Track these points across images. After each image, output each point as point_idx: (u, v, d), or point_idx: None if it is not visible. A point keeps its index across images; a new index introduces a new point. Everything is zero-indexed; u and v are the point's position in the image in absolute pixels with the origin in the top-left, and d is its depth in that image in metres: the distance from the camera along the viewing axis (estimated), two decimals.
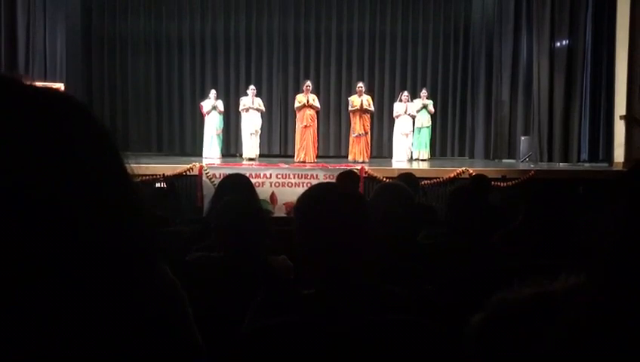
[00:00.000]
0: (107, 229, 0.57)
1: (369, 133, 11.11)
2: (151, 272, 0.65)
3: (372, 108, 11.05)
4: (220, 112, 11.31)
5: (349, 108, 11.05)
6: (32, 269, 0.53)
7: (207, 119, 11.32)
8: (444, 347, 1.25)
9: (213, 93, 11.40)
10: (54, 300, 0.54)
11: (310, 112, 10.69)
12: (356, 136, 10.85)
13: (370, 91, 13.95)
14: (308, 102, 10.61)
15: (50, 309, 0.54)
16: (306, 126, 10.64)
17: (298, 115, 10.84)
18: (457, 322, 0.99)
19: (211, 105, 11.21)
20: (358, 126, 10.83)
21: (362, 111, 10.81)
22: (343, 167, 8.95)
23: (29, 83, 0.60)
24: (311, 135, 10.71)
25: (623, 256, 0.61)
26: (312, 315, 1.27)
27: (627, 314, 0.59)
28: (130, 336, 0.59)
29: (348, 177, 4.83)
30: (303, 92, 10.79)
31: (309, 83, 10.97)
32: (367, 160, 10.66)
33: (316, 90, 12.24)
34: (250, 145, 11.08)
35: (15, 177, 0.52)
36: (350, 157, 10.90)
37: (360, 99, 10.82)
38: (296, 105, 10.78)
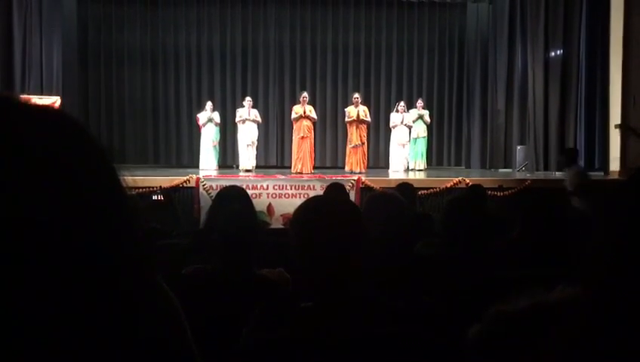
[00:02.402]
0: (101, 244, 0.57)
1: (366, 144, 11.12)
2: (146, 286, 0.65)
3: (368, 119, 11.09)
4: (216, 124, 11.33)
5: (346, 119, 11.09)
6: (26, 284, 0.53)
7: (203, 131, 11.34)
8: (443, 359, 1.24)
9: (209, 105, 11.42)
10: (48, 314, 0.54)
11: (307, 123, 10.74)
12: (353, 147, 10.87)
13: (366, 102, 14.04)
14: (305, 113, 10.66)
15: (43, 322, 0.53)
16: (303, 137, 10.68)
17: (295, 126, 10.88)
18: (456, 333, 0.99)
19: (207, 117, 11.23)
20: (355, 136, 10.87)
21: (359, 121, 10.86)
22: (340, 177, 8.96)
23: (23, 101, 0.60)
24: (308, 146, 10.74)
25: (621, 265, 0.61)
26: (311, 328, 1.26)
27: (625, 325, 0.59)
28: (124, 351, 0.59)
29: (336, 189, 4.83)
30: (299, 103, 10.82)
31: (305, 94, 11.04)
32: (363, 170, 10.68)
33: (312, 102, 12.28)
34: (247, 156, 11.10)
35: (7, 195, 0.52)
36: (347, 168, 10.93)
37: (356, 110, 10.87)
38: (293, 116, 10.82)
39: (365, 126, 11.06)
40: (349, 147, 11.01)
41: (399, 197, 2.57)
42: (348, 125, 11.08)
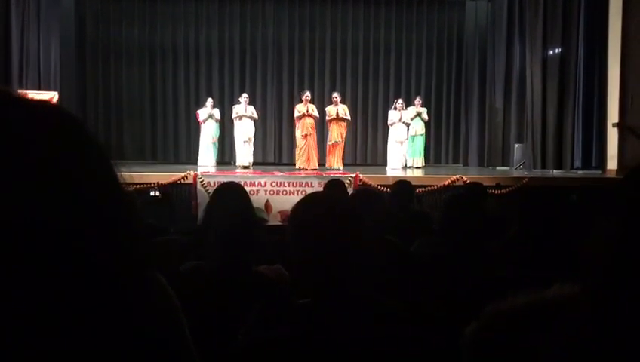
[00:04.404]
0: (99, 241, 0.57)
1: (344, 141, 11.24)
2: (144, 282, 0.65)
3: (348, 117, 11.28)
4: (216, 121, 11.34)
5: (326, 118, 11.25)
6: (25, 280, 0.53)
7: (203, 127, 11.33)
8: (440, 357, 1.25)
9: (209, 101, 11.42)
10: (46, 311, 0.53)
11: (310, 121, 10.91)
12: (332, 144, 10.99)
13: (364, 99, 14.08)
14: (307, 111, 10.84)
15: (41, 319, 0.53)
16: (305, 135, 10.84)
17: (298, 124, 11.06)
18: (452, 332, 0.99)
19: (208, 114, 11.22)
20: (335, 134, 11.06)
21: (338, 119, 11.07)
22: (337, 174, 8.97)
23: (21, 96, 0.59)
24: (311, 143, 10.90)
25: (620, 264, 0.61)
26: (309, 325, 1.26)
27: (623, 324, 0.59)
28: (123, 347, 0.59)
29: (335, 186, 4.83)
30: (302, 102, 11.01)
31: (308, 94, 11.18)
32: (341, 167, 10.90)
33: (311, 99, 12.31)
34: (244, 153, 11.12)
35: (5, 191, 0.52)
36: (327, 165, 11.11)
37: (336, 109, 11.09)
38: (296, 114, 11.02)
39: (345, 124, 11.25)
40: (328, 144, 11.17)
41: (379, 195, 2.58)
42: (328, 123, 11.28)
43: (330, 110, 11.16)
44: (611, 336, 0.59)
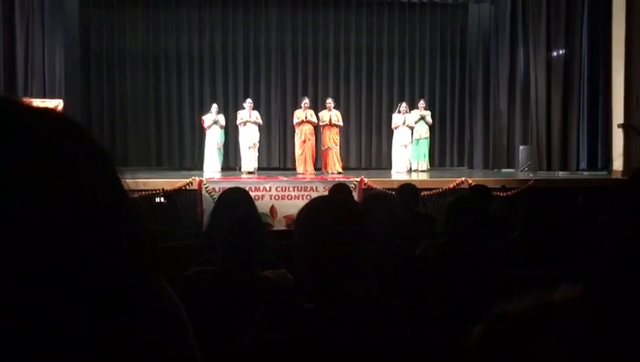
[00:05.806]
0: (103, 246, 0.57)
1: (338, 146, 11.33)
2: (149, 288, 0.65)
3: (340, 123, 11.41)
4: (221, 127, 11.37)
5: (320, 123, 11.29)
6: (24, 283, 0.53)
7: (208, 133, 11.37)
8: (445, 360, 1.24)
9: (214, 107, 11.47)
10: (49, 317, 0.54)
11: (308, 127, 11.06)
12: (325, 149, 11.13)
13: (367, 103, 14.11)
14: (306, 117, 11.03)
15: (43, 326, 0.53)
16: (304, 140, 10.97)
17: (297, 130, 11.19)
18: (458, 334, 0.99)
19: (212, 120, 11.26)
20: (327, 139, 11.19)
21: (331, 125, 11.21)
22: (342, 178, 8.98)
23: (25, 103, 0.60)
24: (309, 148, 11.01)
25: (625, 265, 0.61)
26: (313, 329, 1.26)
27: (628, 325, 0.59)
28: (127, 353, 0.59)
29: (340, 190, 4.83)
30: (301, 108, 11.15)
31: (307, 100, 11.39)
32: (341, 170, 11.04)
33: (315, 104, 12.41)
34: (249, 158, 11.16)
35: (9, 197, 0.52)
36: (322, 169, 11.22)
37: (329, 114, 11.21)
38: (295, 120, 11.18)
39: (338, 129, 11.38)
40: (322, 149, 11.29)
41: (393, 198, 2.57)
42: (321, 128, 11.39)
43: (324, 116, 11.26)
44: (612, 337, 0.59)
